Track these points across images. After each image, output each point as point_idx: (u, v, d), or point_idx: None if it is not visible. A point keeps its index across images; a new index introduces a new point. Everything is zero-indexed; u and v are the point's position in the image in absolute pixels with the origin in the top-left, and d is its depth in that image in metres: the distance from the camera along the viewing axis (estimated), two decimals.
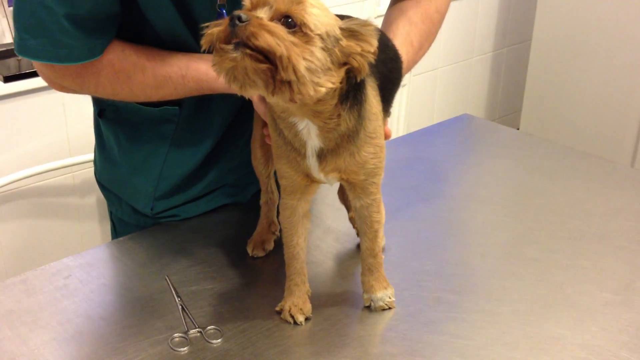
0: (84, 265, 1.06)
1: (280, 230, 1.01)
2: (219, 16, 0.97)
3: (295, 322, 0.94)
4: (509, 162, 1.41)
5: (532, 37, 2.92)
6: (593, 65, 2.72)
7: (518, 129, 2.99)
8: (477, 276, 1.05)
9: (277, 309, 0.97)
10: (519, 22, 3.12)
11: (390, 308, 0.97)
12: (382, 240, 1.00)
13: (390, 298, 0.97)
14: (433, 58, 2.74)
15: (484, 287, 1.02)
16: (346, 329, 0.93)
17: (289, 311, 0.95)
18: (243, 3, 0.80)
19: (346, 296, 1.00)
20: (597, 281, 1.03)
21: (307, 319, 0.95)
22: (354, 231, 1.15)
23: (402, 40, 1.12)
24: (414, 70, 2.62)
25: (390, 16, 1.18)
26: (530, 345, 0.90)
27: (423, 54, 1.18)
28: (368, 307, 0.98)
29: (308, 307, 0.96)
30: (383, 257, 0.98)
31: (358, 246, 1.10)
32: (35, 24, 0.95)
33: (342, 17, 0.87)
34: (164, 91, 1.05)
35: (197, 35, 0.98)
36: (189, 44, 1.05)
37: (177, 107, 1.11)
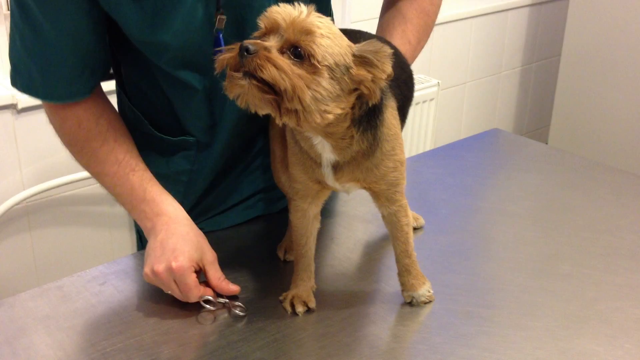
0: (119, 272, 1.08)
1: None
2: (216, 40, 0.98)
3: (294, 312, 0.98)
4: (539, 176, 1.41)
5: (562, 52, 2.91)
6: (623, 80, 2.70)
7: (547, 143, 2.98)
8: (508, 291, 1.04)
9: (281, 298, 1.00)
10: (548, 37, 3.11)
11: (430, 301, 1.00)
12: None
13: (429, 292, 1.01)
14: (461, 72, 2.74)
15: (515, 302, 1.02)
16: (378, 342, 0.94)
17: (291, 300, 0.99)
18: (259, 24, 0.82)
19: (377, 309, 1.00)
20: (631, 297, 1.02)
21: (309, 310, 0.98)
22: (384, 243, 1.16)
23: (400, 39, 1.12)
24: (442, 84, 2.64)
25: (385, 15, 1.18)
26: None
27: (421, 48, 1.18)
28: (409, 303, 1.01)
29: (312, 300, 0.99)
30: (416, 254, 1.00)
31: (387, 257, 1.11)
32: (19, 59, 0.98)
33: (356, 34, 0.88)
34: (104, 175, 1.06)
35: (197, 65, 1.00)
36: (187, 78, 1.04)
37: (194, 137, 1.11)
